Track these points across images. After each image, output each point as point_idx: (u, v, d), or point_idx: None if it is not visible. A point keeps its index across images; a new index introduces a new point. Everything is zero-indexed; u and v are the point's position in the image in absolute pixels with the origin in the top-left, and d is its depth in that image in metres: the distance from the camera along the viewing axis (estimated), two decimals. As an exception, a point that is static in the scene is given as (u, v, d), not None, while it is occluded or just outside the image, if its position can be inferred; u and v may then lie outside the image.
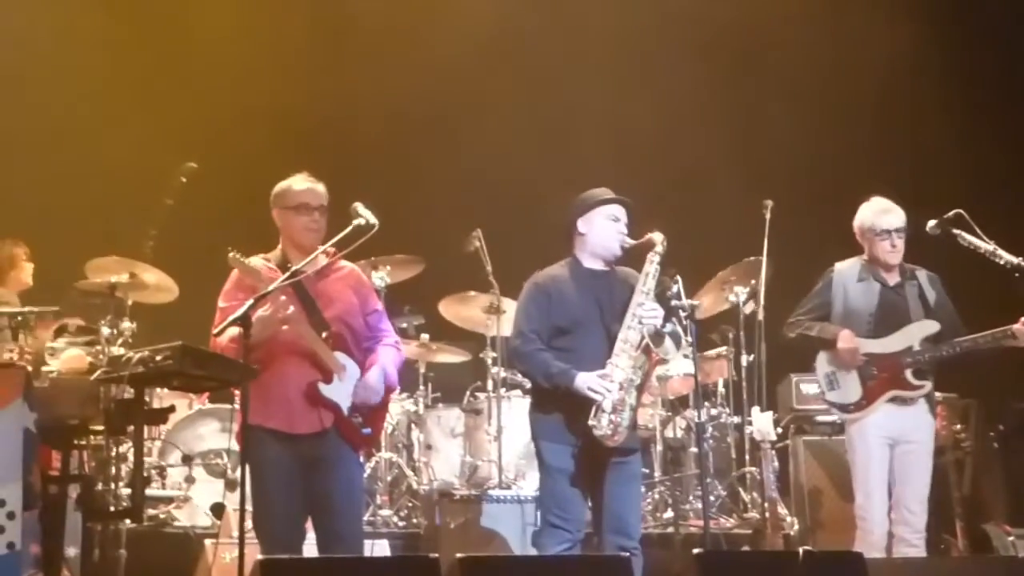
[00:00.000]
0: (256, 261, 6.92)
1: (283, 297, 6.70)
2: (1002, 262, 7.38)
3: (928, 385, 8.14)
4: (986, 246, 7.47)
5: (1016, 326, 7.84)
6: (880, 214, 8.24)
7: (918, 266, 8.35)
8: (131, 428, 6.67)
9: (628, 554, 6.75)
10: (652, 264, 7.39)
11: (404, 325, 10.62)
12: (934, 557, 8.07)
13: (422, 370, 10.47)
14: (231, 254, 6.80)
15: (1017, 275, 7.26)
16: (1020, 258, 7.30)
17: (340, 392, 6.90)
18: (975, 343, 8.03)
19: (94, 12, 11.59)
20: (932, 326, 8.19)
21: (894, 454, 8.14)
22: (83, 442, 7.12)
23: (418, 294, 10.75)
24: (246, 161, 10.84)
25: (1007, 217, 9.16)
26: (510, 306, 9.59)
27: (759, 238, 9.99)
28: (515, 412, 9.71)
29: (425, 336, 10.47)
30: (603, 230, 7.47)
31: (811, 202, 11.44)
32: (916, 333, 8.18)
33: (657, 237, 7.42)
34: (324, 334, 6.88)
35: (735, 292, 10.38)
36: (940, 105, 12.03)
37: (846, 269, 8.38)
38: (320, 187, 7.09)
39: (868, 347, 8.19)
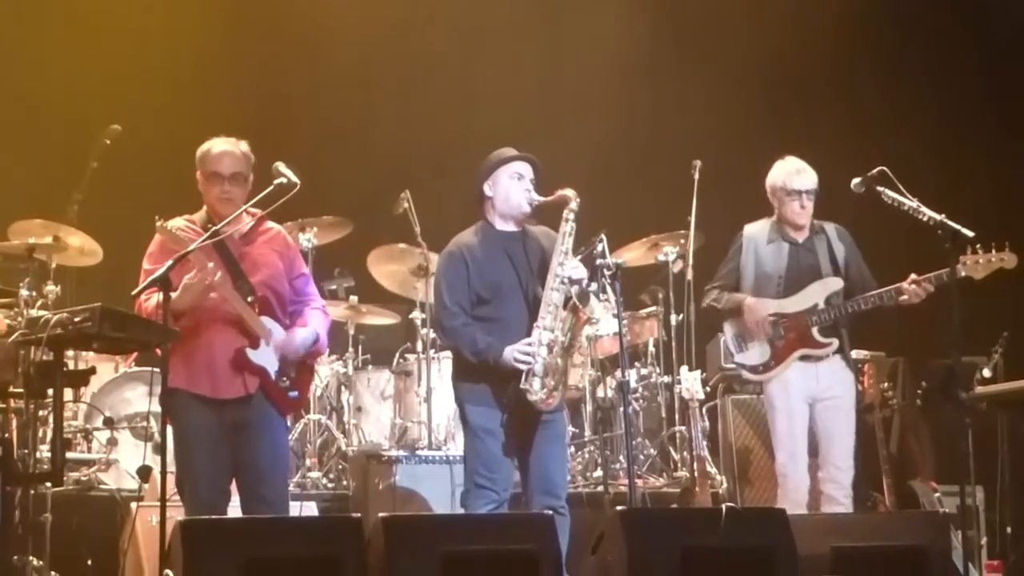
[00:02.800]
0: (178, 222, 6.88)
1: (211, 264, 6.65)
2: (925, 218, 7.40)
3: (835, 342, 8.19)
4: (909, 202, 7.49)
5: (904, 284, 7.91)
6: (792, 174, 8.26)
7: (827, 221, 8.39)
8: (51, 391, 6.61)
9: (554, 512, 6.79)
10: (568, 223, 7.40)
11: (334, 287, 10.58)
12: (858, 513, 8.13)
13: (351, 332, 10.41)
14: (158, 223, 6.77)
15: (939, 231, 7.28)
16: (942, 215, 7.33)
17: (267, 357, 6.86)
18: (880, 299, 8.09)
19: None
20: (836, 283, 8.24)
21: (815, 412, 8.19)
22: (2, 405, 7.09)
23: (346, 256, 10.70)
24: (171, 122, 10.74)
25: (934, 177, 9.25)
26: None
27: (688, 198, 10.03)
28: (445, 374, 9.62)
29: (354, 298, 10.42)
30: (508, 189, 7.45)
31: (740, 162, 11.48)
32: (820, 291, 8.23)
33: (570, 194, 7.42)
34: (250, 299, 6.85)
35: (664, 252, 10.38)
36: (872, 65, 12.09)
37: (756, 231, 8.42)
38: (239, 150, 7.02)
39: (774, 307, 8.24)
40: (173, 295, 6.56)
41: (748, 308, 8.24)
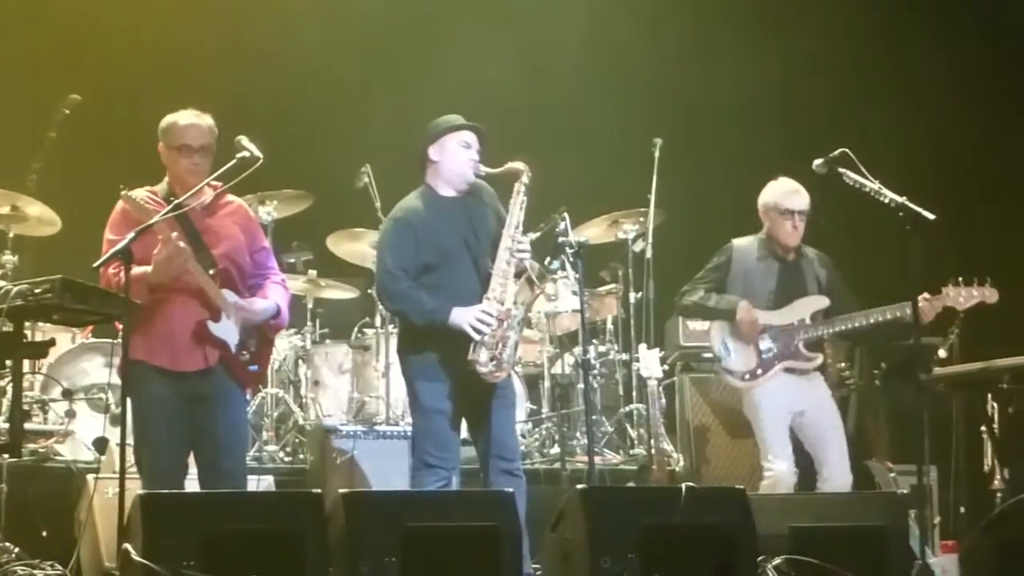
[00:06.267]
0: (140, 194, 6.84)
1: (174, 233, 6.61)
2: (886, 200, 7.41)
3: (820, 358, 8.35)
4: (871, 185, 7.50)
5: (920, 300, 7.93)
6: (786, 194, 8.37)
7: (805, 244, 8.52)
8: (10, 362, 6.58)
9: (510, 475, 6.85)
10: (519, 195, 7.34)
11: (292, 260, 10.53)
12: (816, 493, 8.17)
13: (310, 306, 10.37)
14: (123, 192, 6.74)
15: (901, 214, 7.30)
16: (904, 197, 7.34)
17: (228, 330, 6.84)
18: (871, 323, 8.26)
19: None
20: (823, 301, 8.40)
21: (802, 422, 8.34)
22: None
23: (306, 229, 10.66)
24: (131, 92, 10.69)
25: (893, 162, 9.28)
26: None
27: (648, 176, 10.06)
28: (403, 348, 9.68)
29: (313, 272, 10.38)
30: (456, 157, 7.36)
31: (701, 141, 11.50)
32: (808, 306, 8.38)
33: (520, 167, 7.36)
34: (211, 271, 6.82)
35: (624, 230, 10.40)
36: (835, 47, 12.08)
37: (745, 247, 8.50)
38: (205, 123, 6.98)
39: (764, 318, 8.32)
40: (148, 269, 6.55)
41: (743, 310, 8.30)
